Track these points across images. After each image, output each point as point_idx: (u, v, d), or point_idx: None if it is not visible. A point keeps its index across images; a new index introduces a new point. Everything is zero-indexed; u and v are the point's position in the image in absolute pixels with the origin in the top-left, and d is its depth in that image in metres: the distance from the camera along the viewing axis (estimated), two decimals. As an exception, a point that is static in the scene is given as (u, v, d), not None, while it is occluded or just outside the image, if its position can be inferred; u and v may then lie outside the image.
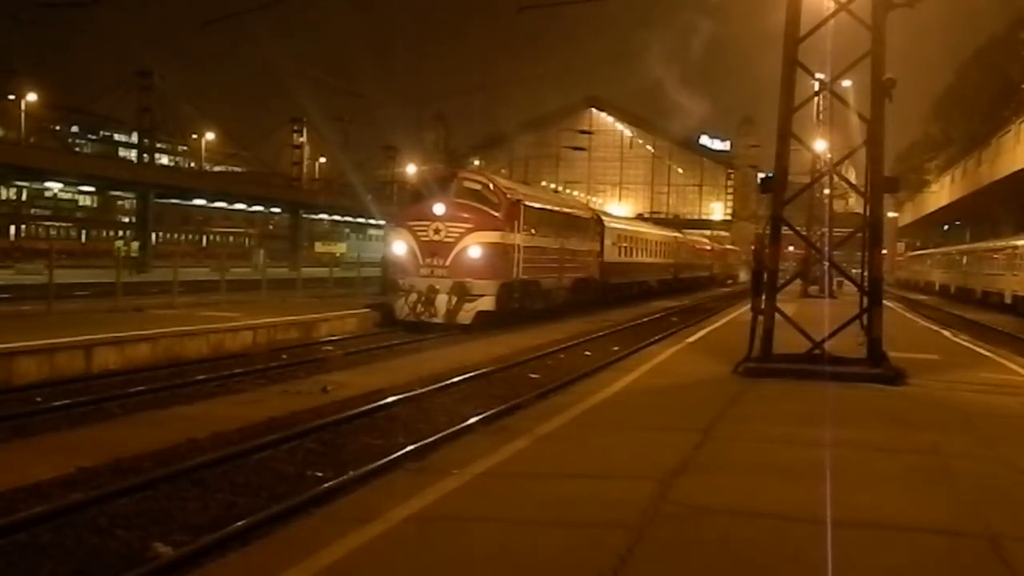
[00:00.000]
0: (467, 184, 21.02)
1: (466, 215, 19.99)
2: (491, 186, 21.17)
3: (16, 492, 6.52)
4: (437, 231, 19.76)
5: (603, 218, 30.91)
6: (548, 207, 24.54)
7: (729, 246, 68.85)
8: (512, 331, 19.48)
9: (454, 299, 19.20)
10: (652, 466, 6.01)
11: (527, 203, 22.03)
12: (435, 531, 4.64)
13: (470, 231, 19.74)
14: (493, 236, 20.02)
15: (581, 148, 79.10)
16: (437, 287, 19.33)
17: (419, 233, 19.96)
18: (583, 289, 26.83)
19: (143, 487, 6.71)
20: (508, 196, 21.05)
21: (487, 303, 19.49)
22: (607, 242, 29.73)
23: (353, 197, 54.09)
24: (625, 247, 33.06)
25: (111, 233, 73.48)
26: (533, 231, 22.14)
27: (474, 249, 19.64)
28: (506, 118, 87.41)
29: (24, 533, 5.69)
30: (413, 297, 19.44)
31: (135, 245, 42.26)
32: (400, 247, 20.35)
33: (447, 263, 19.56)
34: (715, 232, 76.13)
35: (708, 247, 56.75)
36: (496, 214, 20.35)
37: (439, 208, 19.92)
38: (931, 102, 70.72)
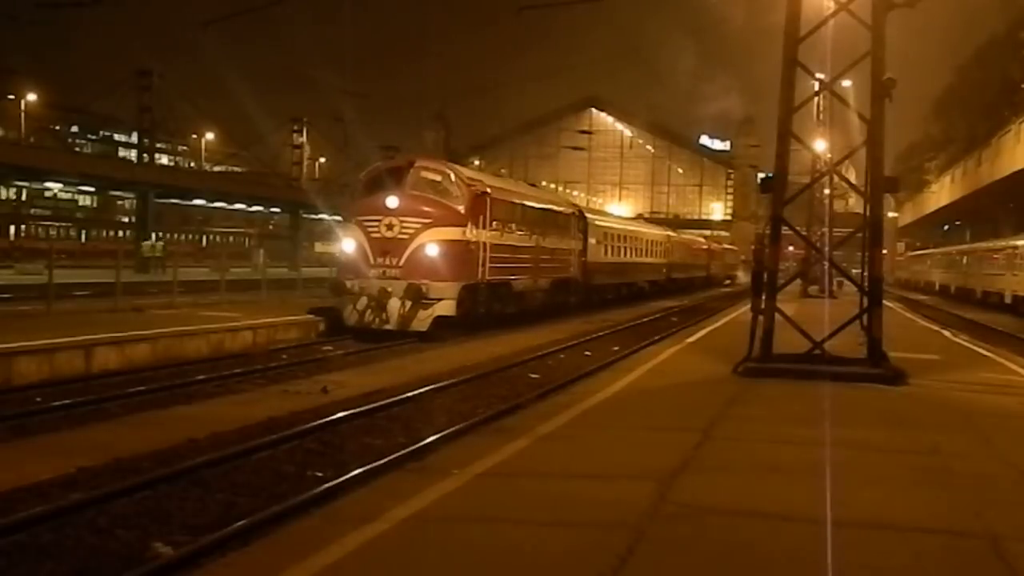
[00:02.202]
0: (425, 174, 18.76)
1: (423, 209, 17.92)
2: (452, 176, 18.91)
3: (16, 492, 6.51)
4: (390, 227, 17.60)
5: (586, 215, 28.96)
6: (520, 201, 22.37)
7: (727, 245, 68.45)
8: (511, 331, 19.46)
9: (408, 303, 17.18)
10: (652, 466, 6.01)
11: (495, 196, 19.85)
12: (435, 531, 4.64)
13: (427, 227, 17.64)
14: (454, 232, 17.99)
15: (581, 148, 79.15)
16: (389, 290, 17.22)
17: (370, 229, 17.82)
18: (563, 291, 25.04)
19: (143, 487, 6.70)
20: (472, 188, 18.88)
21: (446, 307, 17.51)
22: (591, 240, 27.96)
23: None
24: (611, 246, 31.20)
25: (111, 233, 73.61)
26: (502, 227, 20.18)
27: (431, 247, 17.54)
28: (506, 118, 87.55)
29: (24, 533, 5.68)
30: (363, 301, 17.41)
31: (160, 245, 42.59)
32: (349, 245, 18.21)
33: (401, 263, 17.45)
34: (715, 232, 76.11)
35: (704, 246, 55.45)
36: (458, 208, 18.29)
37: (392, 201, 17.76)
38: (931, 102, 70.91)
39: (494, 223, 19.63)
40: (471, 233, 18.49)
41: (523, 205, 22.37)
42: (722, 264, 61.96)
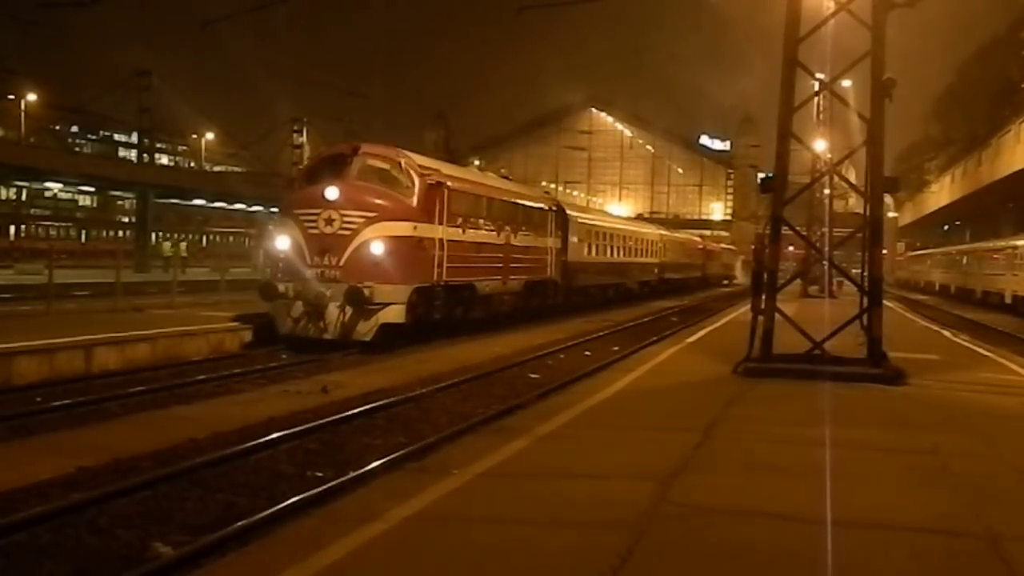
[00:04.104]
0: (371, 162, 16.50)
1: (368, 200, 15.72)
2: (402, 164, 16.62)
3: (16, 492, 6.51)
4: (329, 221, 15.40)
5: (568, 210, 26.68)
6: (485, 194, 20.07)
7: (725, 245, 68.20)
8: (509, 332, 19.45)
9: (349, 309, 15.15)
10: (652, 466, 6.01)
11: (453, 187, 17.61)
12: (435, 531, 4.64)
13: (372, 221, 15.45)
14: (403, 228, 15.82)
15: (581, 148, 79.16)
16: (328, 293, 15.14)
17: (307, 224, 15.61)
18: (539, 294, 23.09)
19: (143, 487, 6.70)
20: (425, 178, 16.61)
21: (394, 314, 15.41)
22: (572, 238, 25.99)
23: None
24: (596, 244, 29.39)
25: (111, 233, 73.70)
26: (464, 222, 18.09)
27: (376, 244, 15.35)
28: (506, 118, 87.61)
29: (24, 533, 5.68)
30: (298, 307, 15.36)
31: (183, 246, 42.72)
32: (283, 242, 15.97)
33: (341, 262, 15.30)
34: (715, 232, 76.15)
35: (700, 245, 54.25)
36: (409, 200, 16.15)
37: (332, 192, 15.49)
38: (931, 102, 71.07)
39: (455, 218, 17.64)
40: (424, 228, 16.38)
41: (489, 198, 20.16)
42: (719, 264, 61.29)
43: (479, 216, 19.18)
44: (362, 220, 15.47)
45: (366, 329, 15.31)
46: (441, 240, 16.93)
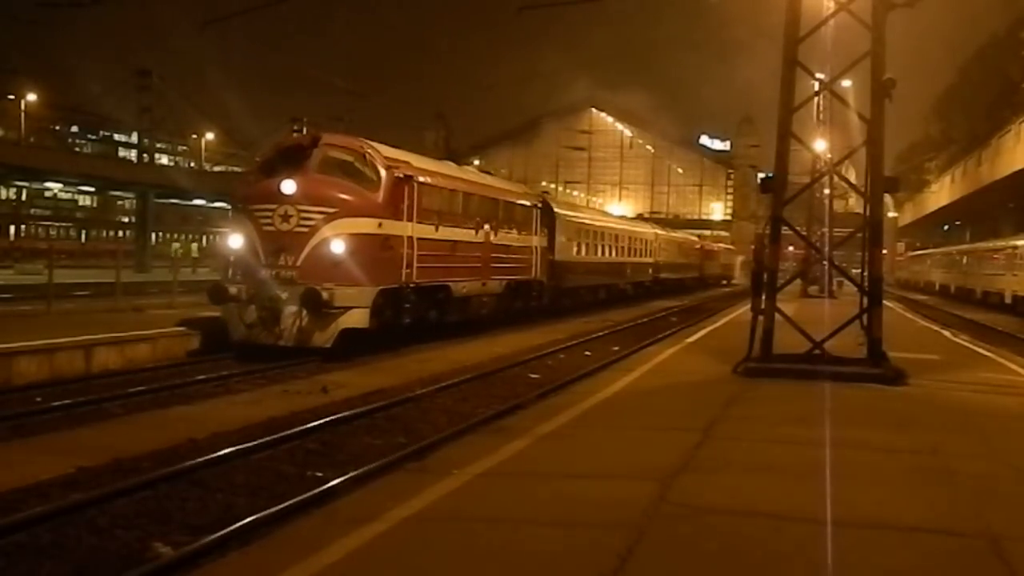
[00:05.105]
0: (333, 154, 15.18)
1: (328, 195, 14.46)
2: (367, 155, 15.27)
3: (16, 492, 6.50)
4: (286, 218, 14.11)
5: (555, 208, 25.33)
6: (460, 188, 18.55)
7: (723, 245, 68.02)
8: (511, 332, 19.45)
9: (305, 313, 13.86)
10: (652, 466, 6.01)
11: (424, 181, 16.32)
12: (435, 531, 4.65)
13: (332, 217, 14.20)
14: (367, 224, 14.59)
15: (581, 148, 79.13)
16: (283, 296, 13.89)
17: (262, 220, 14.32)
18: (523, 295, 22.01)
19: (143, 487, 6.70)
20: (392, 171, 15.30)
21: (356, 318, 14.19)
22: (560, 237, 24.90)
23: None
24: (585, 243, 28.23)
25: (111, 233, 73.79)
26: (437, 219, 16.82)
27: (337, 243, 14.10)
28: (506, 118, 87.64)
29: (24, 533, 5.68)
30: (251, 311, 14.06)
31: (194, 247, 42.65)
32: (236, 240, 14.77)
33: (298, 262, 14.03)
34: (715, 232, 76.17)
35: (697, 245, 53.54)
36: (374, 195, 14.89)
37: (289, 186, 14.16)
38: (931, 102, 71.15)
39: (427, 214, 16.39)
40: (391, 225, 15.12)
41: (466, 193, 18.68)
42: (718, 264, 60.80)
43: (455, 212, 17.93)
44: (321, 216, 14.23)
45: (325, 336, 14.04)
46: (410, 238, 15.69)
